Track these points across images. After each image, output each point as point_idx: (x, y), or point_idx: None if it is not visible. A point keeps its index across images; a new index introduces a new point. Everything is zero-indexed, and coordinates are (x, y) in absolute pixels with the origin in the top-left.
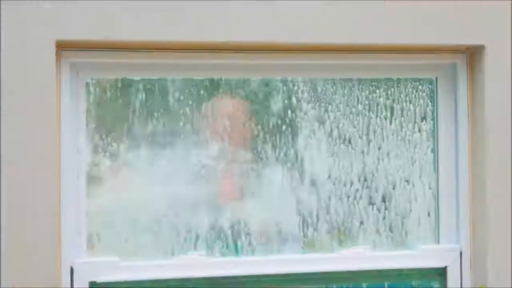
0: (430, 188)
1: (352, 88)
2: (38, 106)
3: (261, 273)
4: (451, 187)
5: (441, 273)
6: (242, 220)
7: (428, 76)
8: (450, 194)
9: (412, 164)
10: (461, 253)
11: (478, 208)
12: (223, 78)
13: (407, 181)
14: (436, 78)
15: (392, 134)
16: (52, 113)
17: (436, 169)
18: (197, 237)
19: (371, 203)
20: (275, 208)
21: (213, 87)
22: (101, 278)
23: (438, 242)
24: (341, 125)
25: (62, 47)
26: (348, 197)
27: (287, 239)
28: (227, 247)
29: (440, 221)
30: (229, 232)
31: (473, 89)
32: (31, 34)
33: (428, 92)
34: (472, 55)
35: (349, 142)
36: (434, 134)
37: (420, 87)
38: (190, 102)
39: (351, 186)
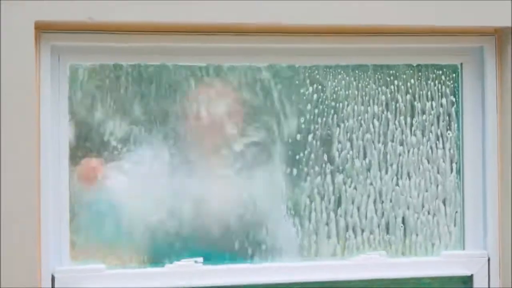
0: (454, 188)
1: (368, 82)
2: (16, 93)
3: (261, 282)
4: (478, 186)
5: (467, 281)
6: None
7: (452, 62)
8: (477, 194)
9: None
10: (489, 259)
11: (507, 210)
12: (223, 64)
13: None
14: (461, 64)
15: (412, 130)
16: (31, 101)
17: (461, 168)
18: (192, 241)
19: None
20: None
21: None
22: (85, 287)
23: (463, 248)
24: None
25: (42, 29)
26: (362, 195)
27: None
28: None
29: (465, 223)
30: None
31: (502, 76)
32: (7, 14)
33: (452, 80)
34: (501, 38)
35: (367, 131)
36: (458, 127)
37: (442, 74)
38: (186, 90)
39: (366, 179)
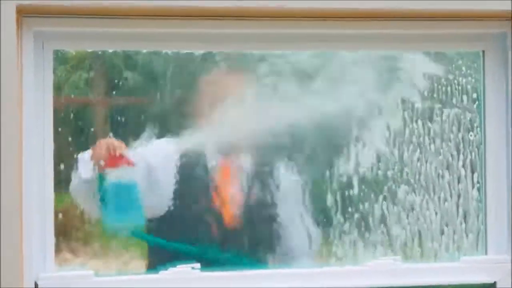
0: (475, 186)
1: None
2: None
3: None
4: (501, 186)
5: None
6: None
7: (473, 49)
8: (500, 194)
9: (455, 158)
10: None
11: None
12: (220, 52)
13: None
14: (483, 52)
15: (432, 123)
16: (12, 91)
17: (483, 165)
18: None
19: (396, 203)
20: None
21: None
22: None
23: (486, 253)
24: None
25: (24, 13)
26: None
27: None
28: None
29: (487, 227)
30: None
31: None
32: None
33: (473, 69)
34: None
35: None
36: (480, 120)
37: (463, 62)
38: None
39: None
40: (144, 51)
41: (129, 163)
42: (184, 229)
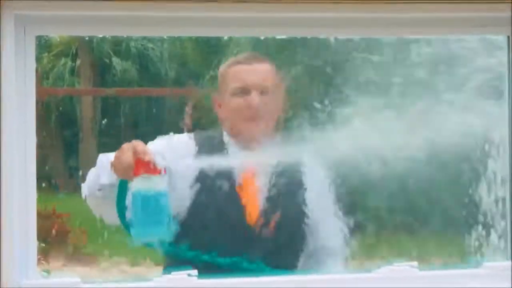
0: (497, 184)
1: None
2: None
3: None
4: None
5: None
6: None
7: (498, 33)
8: None
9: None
10: None
11: None
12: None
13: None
14: (508, 37)
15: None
16: None
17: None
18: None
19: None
20: None
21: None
22: None
23: (510, 258)
24: None
25: None
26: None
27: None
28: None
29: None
30: None
31: None
32: None
33: (498, 56)
34: None
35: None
36: (509, 106)
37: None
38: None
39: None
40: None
41: (157, 170)
42: (206, 235)
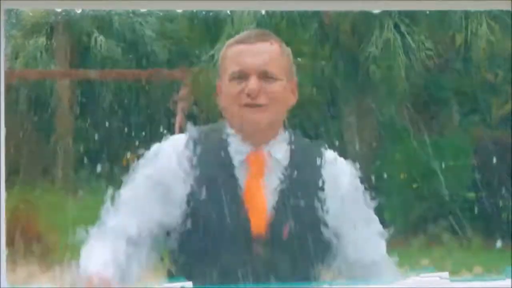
0: None
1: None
2: None
3: None
4: None
5: None
6: None
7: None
8: None
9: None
10: None
11: None
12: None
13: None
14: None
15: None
16: None
17: None
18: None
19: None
20: None
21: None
22: None
23: None
24: None
25: None
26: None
27: None
28: None
29: None
30: None
31: None
32: None
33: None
34: None
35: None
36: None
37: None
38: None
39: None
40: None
41: None
42: (203, 255)
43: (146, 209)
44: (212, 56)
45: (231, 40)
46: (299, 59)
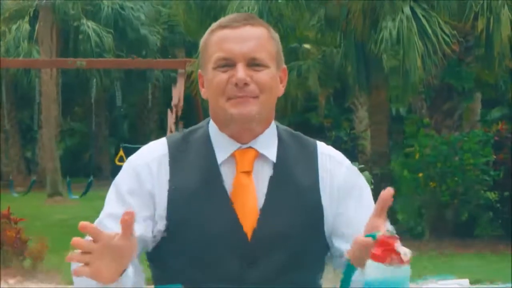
0: None
1: None
2: None
3: None
4: None
5: None
6: None
7: None
8: None
9: None
10: None
11: None
12: None
13: None
14: None
15: None
16: None
17: None
18: None
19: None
20: None
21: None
22: None
23: None
24: None
25: None
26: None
27: None
28: None
29: None
30: None
31: None
32: None
33: None
34: None
35: None
36: None
37: None
38: None
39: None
40: None
41: (401, 260)
42: (191, 263)
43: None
44: None
45: (214, 25)
46: (305, 45)
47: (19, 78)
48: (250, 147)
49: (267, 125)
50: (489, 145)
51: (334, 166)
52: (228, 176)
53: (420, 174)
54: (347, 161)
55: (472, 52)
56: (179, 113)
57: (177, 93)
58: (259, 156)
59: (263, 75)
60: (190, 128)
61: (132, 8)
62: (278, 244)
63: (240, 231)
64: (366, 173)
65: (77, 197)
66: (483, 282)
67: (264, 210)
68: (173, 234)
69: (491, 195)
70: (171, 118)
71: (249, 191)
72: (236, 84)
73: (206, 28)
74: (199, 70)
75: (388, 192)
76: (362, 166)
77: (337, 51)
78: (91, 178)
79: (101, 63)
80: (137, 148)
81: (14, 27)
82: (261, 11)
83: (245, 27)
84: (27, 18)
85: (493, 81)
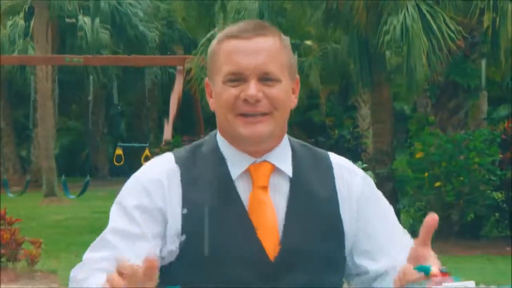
0: None
1: None
2: None
3: None
4: None
5: None
6: None
7: None
8: None
9: None
10: None
11: None
12: None
13: None
14: None
15: None
16: None
17: None
18: None
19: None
20: None
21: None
22: None
23: None
24: None
25: None
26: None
27: None
28: None
29: None
30: None
31: None
32: None
33: None
34: None
35: None
36: None
37: None
38: None
39: None
40: None
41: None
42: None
43: (134, 246)
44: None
45: (222, 34)
46: (307, 42)
47: (13, 75)
48: (265, 161)
49: (281, 139)
50: (495, 144)
51: (350, 176)
52: (243, 191)
53: (426, 174)
54: (361, 171)
55: (478, 49)
56: (176, 113)
57: (174, 102)
58: (275, 170)
59: (276, 90)
60: (195, 143)
61: (130, 4)
62: (301, 261)
63: (262, 250)
64: (370, 172)
65: (74, 196)
66: (489, 283)
67: (286, 228)
68: (187, 250)
69: (498, 195)
70: (167, 131)
71: (267, 207)
72: (247, 101)
73: (205, 25)
74: (206, 79)
75: (432, 218)
76: (366, 165)
77: (339, 48)
78: (88, 177)
79: (98, 60)
80: (135, 147)
81: (9, 23)
82: (261, 7)
83: (255, 38)
84: (22, 14)
85: (499, 78)
